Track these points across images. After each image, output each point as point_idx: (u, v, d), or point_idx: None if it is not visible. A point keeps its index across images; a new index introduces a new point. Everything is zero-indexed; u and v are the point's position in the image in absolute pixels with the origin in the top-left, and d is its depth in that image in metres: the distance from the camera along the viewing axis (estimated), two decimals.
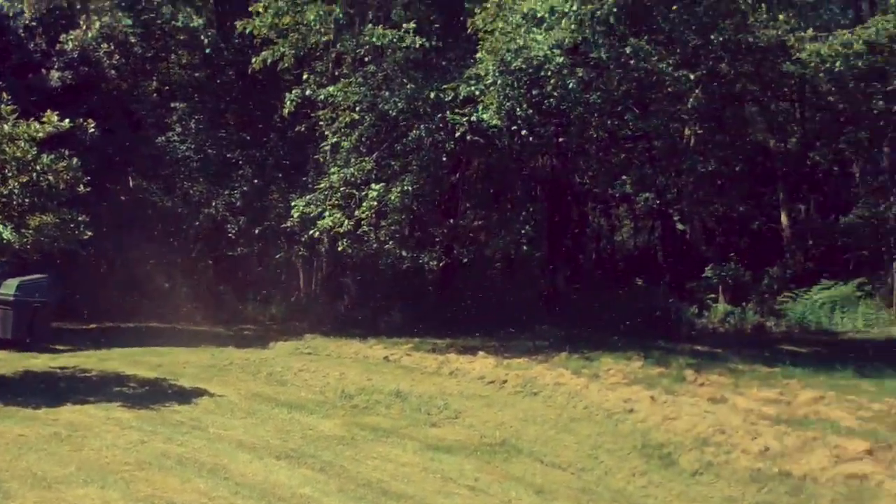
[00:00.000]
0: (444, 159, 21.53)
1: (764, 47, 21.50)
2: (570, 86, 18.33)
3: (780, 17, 20.75)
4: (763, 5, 20.89)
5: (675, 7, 20.18)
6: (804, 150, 31.32)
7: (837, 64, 19.71)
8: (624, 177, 23.87)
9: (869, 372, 17.80)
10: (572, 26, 17.91)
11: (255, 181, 27.04)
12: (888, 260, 29.54)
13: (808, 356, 20.75)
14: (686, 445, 11.50)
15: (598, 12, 18.49)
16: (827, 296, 28.09)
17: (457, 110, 19.27)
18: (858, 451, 10.94)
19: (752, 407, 13.60)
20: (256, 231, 26.74)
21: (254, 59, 21.87)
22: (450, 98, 19.34)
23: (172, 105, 27.81)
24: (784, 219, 31.43)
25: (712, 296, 28.35)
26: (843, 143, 29.02)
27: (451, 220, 24.92)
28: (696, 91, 20.55)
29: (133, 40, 26.44)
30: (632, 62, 19.19)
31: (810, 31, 20.50)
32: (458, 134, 19.46)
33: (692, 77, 19.74)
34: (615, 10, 18.60)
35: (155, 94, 29.37)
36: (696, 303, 27.43)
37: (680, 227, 26.61)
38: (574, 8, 17.93)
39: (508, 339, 20.88)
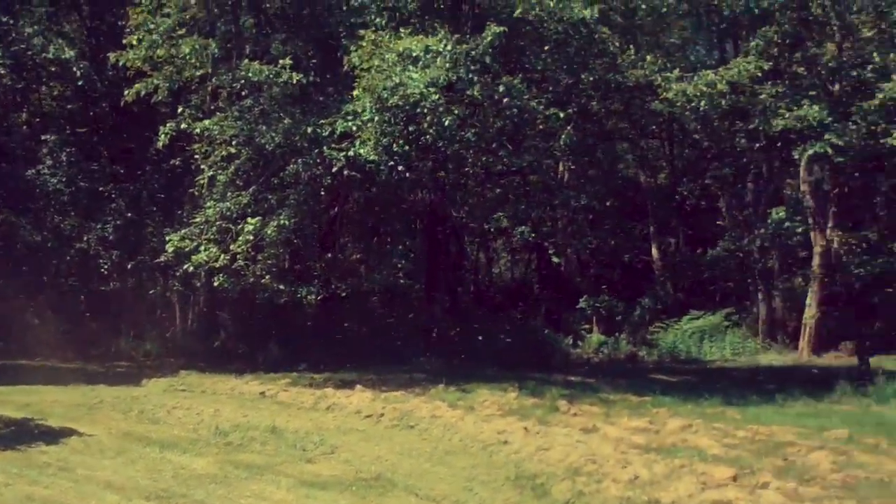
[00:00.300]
0: (322, 194, 21.58)
1: (633, 87, 22.27)
2: (446, 123, 18.63)
3: (648, 58, 21.55)
4: (631, 47, 21.68)
5: (546, 47, 20.78)
6: (673, 185, 32.53)
7: (703, 103, 20.51)
8: (500, 212, 24.29)
9: (735, 400, 18.42)
10: (447, 65, 18.24)
11: (129, 215, 26.55)
12: (753, 291, 30.77)
13: (677, 385, 21.36)
14: (558, 475, 11.68)
15: (473, 52, 18.92)
16: (696, 326, 29.04)
17: (334, 145, 19.36)
18: (724, 478, 11.24)
19: (623, 436, 13.90)
20: (130, 266, 26.24)
21: (127, 92, 21.56)
22: (327, 133, 19.42)
23: (43, 137, 27.15)
24: (655, 251, 32.44)
25: (587, 326, 29.04)
26: (709, 178, 30.28)
27: (330, 254, 24.94)
28: (568, 128, 21.11)
29: (2, 72, 25.77)
30: (505, 100, 19.64)
31: (677, 72, 21.32)
32: (335, 169, 19.54)
33: (562, 115, 20.27)
34: (489, 49, 19.05)
35: (25, 126, 28.64)
36: (571, 333, 28.07)
37: (555, 259, 27.19)
38: (449, 48, 18.28)
39: (387, 372, 20.92)
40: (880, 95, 19.69)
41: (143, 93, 21.29)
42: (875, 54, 20.83)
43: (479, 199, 25.31)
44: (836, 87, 21.31)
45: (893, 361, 26.20)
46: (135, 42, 21.00)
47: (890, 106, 19.66)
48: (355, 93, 18.82)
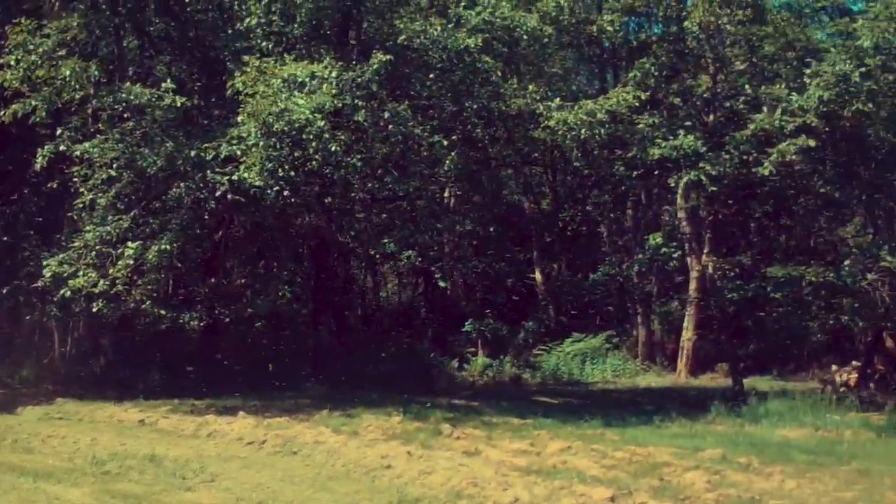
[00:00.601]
0: (206, 218, 21.34)
1: (515, 115, 22.70)
2: (332, 149, 18.65)
3: (530, 87, 22.01)
4: (514, 76, 22.13)
5: (431, 75, 21.06)
6: (555, 211, 33.15)
7: (583, 132, 21.01)
8: (387, 237, 24.42)
9: (614, 421, 18.89)
10: (333, 91, 18.33)
11: (5, 238, 25.78)
12: (633, 314, 31.57)
13: (559, 407, 21.79)
14: (440, 499, 11.80)
15: (359, 79, 19.06)
16: (578, 348, 29.65)
17: (218, 169, 19.20)
18: (602, 499, 11.47)
19: (505, 459, 14.09)
20: (6, 290, 25.44)
21: (3, 112, 21.00)
22: (211, 157, 19.25)
23: None
24: (538, 276, 32.98)
25: (472, 349, 29.32)
26: (590, 205, 30.95)
27: (214, 279, 24.64)
28: (453, 154, 21.39)
29: None
30: (391, 127, 19.82)
31: (558, 101, 21.82)
32: (218, 193, 19.36)
33: (446, 143, 20.53)
34: (376, 76, 19.22)
35: None
36: (457, 356, 28.31)
37: (441, 283, 27.42)
38: (335, 74, 18.38)
39: (271, 398, 20.77)
40: (752, 126, 20.48)
41: (20, 114, 20.76)
42: (747, 86, 21.67)
43: (366, 224, 25.40)
44: (711, 117, 22.10)
45: (766, 382, 27.25)
46: (13, 62, 20.49)
47: (761, 136, 20.45)
48: (240, 118, 18.72)
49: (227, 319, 24.15)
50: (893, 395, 25.18)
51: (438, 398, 21.68)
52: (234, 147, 18.86)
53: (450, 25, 20.29)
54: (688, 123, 22.02)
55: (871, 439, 17.38)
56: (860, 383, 26.64)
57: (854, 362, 28.27)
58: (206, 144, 19.30)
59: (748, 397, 21.12)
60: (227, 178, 18.89)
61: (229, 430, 16.61)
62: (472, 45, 20.08)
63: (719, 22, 20.97)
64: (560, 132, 21.27)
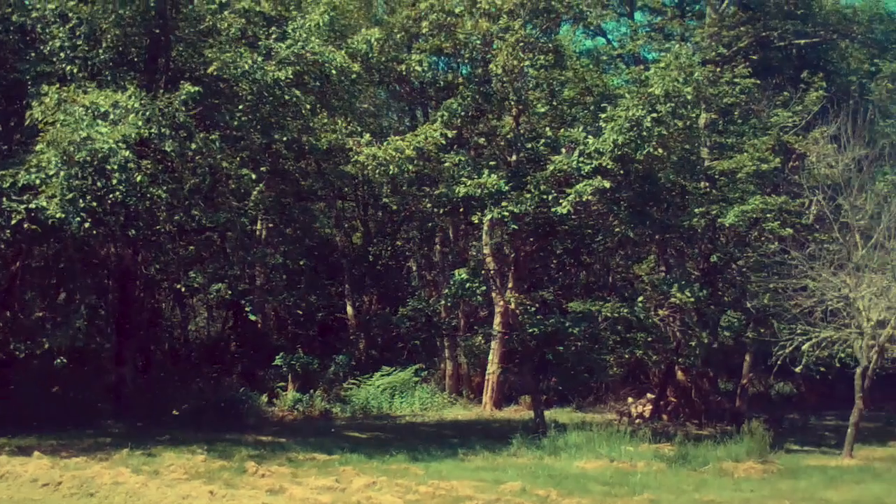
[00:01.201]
0: (2, 247, 20.43)
1: (326, 149, 22.83)
2: (138, 179, 18.26)
3: (340, 122, 22.21)
4: (324, 110, 22.29)
5: (241, 107, 20.94)
6: (366, 245, 33.39)
7: (391, 167, 21.32)
8: (193, 271, 24.04)
9: (420, 455, 19.17)
10: (139, 122, 17.96)
11: None
12: (441, 348, 32.10)
13: (367, 442, 21.91)
14: None
15: (167, 108, 18.76)
16: (388, 382, 29.83)
17: (15, 197, 18.41)
18: None
19: (309, 496, 14.08)
20: None
21: None
22: (8, 185, 18.46)
23: None
24: (350, 309, 33.10)
25: (282, 384, 29.06)
26: (400, 240, 31.34)
27: (10, 312, 23.55)
28: (260, 186, 21.30)
29: None
30: (198, 158, 19.57)
31: (368, 136, 22.08)
32: (14, 222, 18.54)
33: (254, 176, 20.44)
34: (183, 107, 18.96)
35: None
36: (267, 391, 27.99)
37: (252, 317, 27.13)
38: (138, 104, 18.02)
39: (69, 436, 19.94)
40: (551, 167, 21.28)
41: None
42: (547, 129, 22.52)
43: (173, 256, 24.91)
44: (514, 157, 22.82)
45: (567, 414, 28.24)
46: None
47: (560, 177, 21.29)
48: (38, 146, 18.05)
49: (21, 355, 23.07)
50: (684, 426, 26.67)
51: (246, 435, 21.45)
52: (34, 176, 18.13)
53: (259, 57, 20.23)
54: (492, 163, 22.66)
55: (662, 469, 18.36)
56: (654, 414, 28.05)
57: (648, 394, 29.76)
58: (3, 171, 18.49)
59: (549, 429, 21.84)
60: (25, 206, 18.14)
61: (23, 472, 15.85)
62: (282, 78, 20.10)
63: (522, 66, 21.74)
64: (370, 167, 21.50)
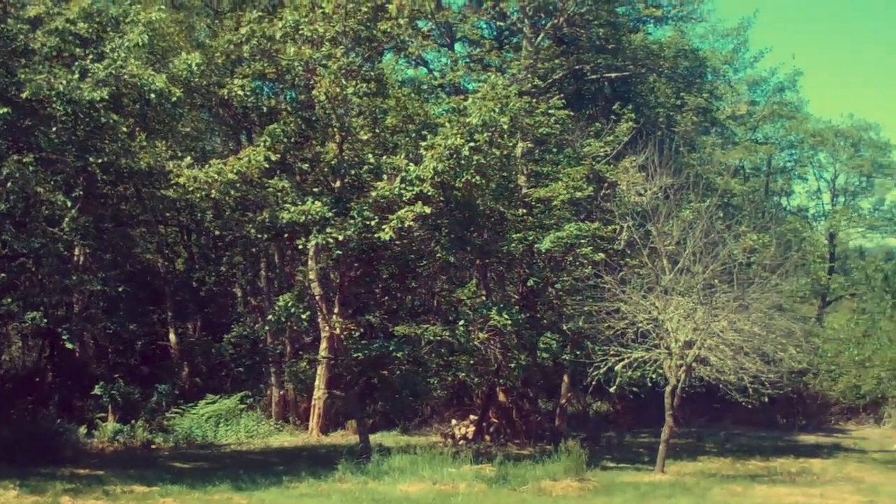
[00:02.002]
0: None
1: (145, 172, 22.37)
2: None
3: (159, 144, 21.83)
4: (143, 133, 21.86)
5: (55, 128, 20.31)
6: (190, 271, 32.81)
7: (213, 192, 21.11)
8: (6, 298, 23.05)
9: (244, 484, 18.98)
10: None
11: None
12: (267, 374, 31.83)
13: (190, 472, 21.50)
14: None
15: None
16: (212, 410, 29.35)
17: None
18: None
19: None
20: None
21: None
22: None
23: None
24: (173, 337, 32.40)
25: (102, 414, 28.18)
26: (224, 265, 30.88)
27: None
28: (73, 212, 20.70)
29: None
30: (9, 183, 18.89)
31: (189, 160, 21.75)
32: None
33: (68, 201, 19.87)
34: None
35: None
36: (86, 422, 27.08)
37: (69, 345, 26.20)
38: None
39: None
40: (374, 193, 21.56)
41: None
42: (370, 156, 22.80)
43: None
44: (337, 183, 22.98)
45: (392, 438, 28.48)
46: None
47: (382, 203, 21.57)
48: None
49: None
50: (505, 446, 27.31)
51: (62, 468, 20.77)
52: None
53: (75, 77, 19.66)
54: (316, 189, 22.75)
55: (483, 490, 18.82)
56: (477, 435, 28.60)
57: (472, 416, 30.33)
58: None
59: (373, 454, 22.00)
60: None
61: None
62: (98, 99, 19.58)
63: (345, 93, 21.92)
64: (192, 190, 21.22)
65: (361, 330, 23.83)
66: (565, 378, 29.75)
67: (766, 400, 23.84)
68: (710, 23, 44.47)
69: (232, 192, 21.41)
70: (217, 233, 28.73)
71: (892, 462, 27.71)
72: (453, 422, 30.50)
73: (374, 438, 25.87)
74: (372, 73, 23.03)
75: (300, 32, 22.17)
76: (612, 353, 22.62)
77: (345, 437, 29.00)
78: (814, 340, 32.23)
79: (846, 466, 26.00)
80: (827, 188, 50.46)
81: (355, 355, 22.67)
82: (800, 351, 23.20)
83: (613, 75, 31.19)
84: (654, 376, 23.03)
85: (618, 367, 22.63)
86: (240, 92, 22.68)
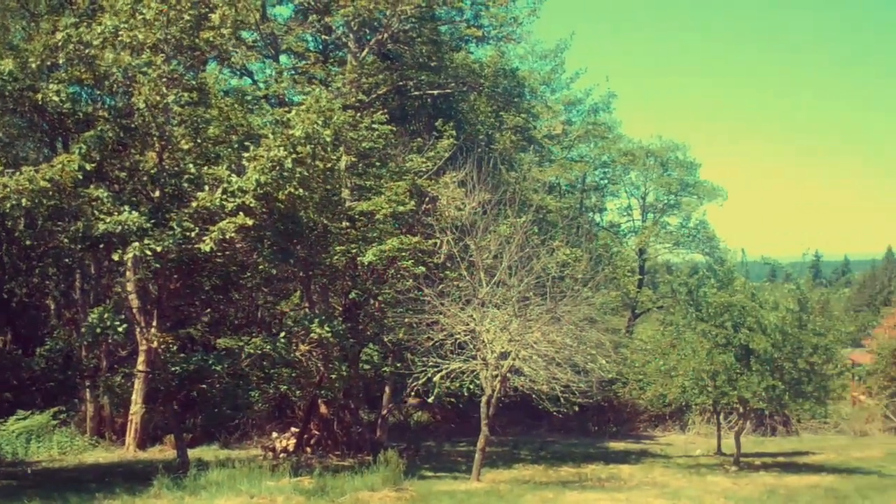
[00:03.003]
0: None
1: None
2: None
3: None
4: None
5: None
6: (1, 282, 31.47)
7: (24, 200, 20.35)
8: None
9: (55, 502, 18.42)
10: None
11: None
12: (82, 388, 30.86)
13: None
14: None
15: None
16: (23, 426, 28.25)
17: None
18: None
19: None
20: None
21: None
22: None
23: None
24: None
25: None
26: (37, 276, 29.77)
27: None
28: None
29: None
30: None
31: None
32: None
33: None
34: None
35: None
36: None
37: None
38: None
39: None
40: (194, 204, 21.28)
41: None
42: (191, 166, 22.46)
43: None
44: (157, 193, 22.55)
45: (212, 452, 28.15)
46: None
47: (203, 214, 21.32)
48: None
49: None
50: (326, 458, 27.42)
51: None
52: None
53: None
54: (134, 198, 22.27)
55: (301, 502, 18.84)
56: (298, 448, 28.59)
57: (293, 428, 30.27)
58: None
59: (191, 468, 21.68)
60: None
61: None
62: None
63: (166, 101, 21.59)
64: (1, 198, 20.41)
65: (180, 343, 23.45)
66: (387, 389, 30.14)
67: (578, 409, 24.84)
68: (530, 44, 45.96)
69: (44, 201, 20.69)
70: (28, 243, 27.70)
71: (695, 467, 29.36)
72: (274, 435, 30.34)
73: (194, 453, 25.49)
74: (194, 82, 22.78)
75: (119, 38, 21.69)
76: (430, 364, 23.06)
77: (163, 452, 28.42)
78: (623, 351, 33.80)
79: (652, 472, 27.39)
80: (638, 205, 53.02)
81: (173, 369, 22.30)
82: (609, 361, 24.22)
83: (436, 92, 31.81)
84: (471, 386, 23.62)
85: (436, 378, 23.09)
86: (55, 97, 21.97)
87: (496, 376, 22.59)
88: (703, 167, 53.05)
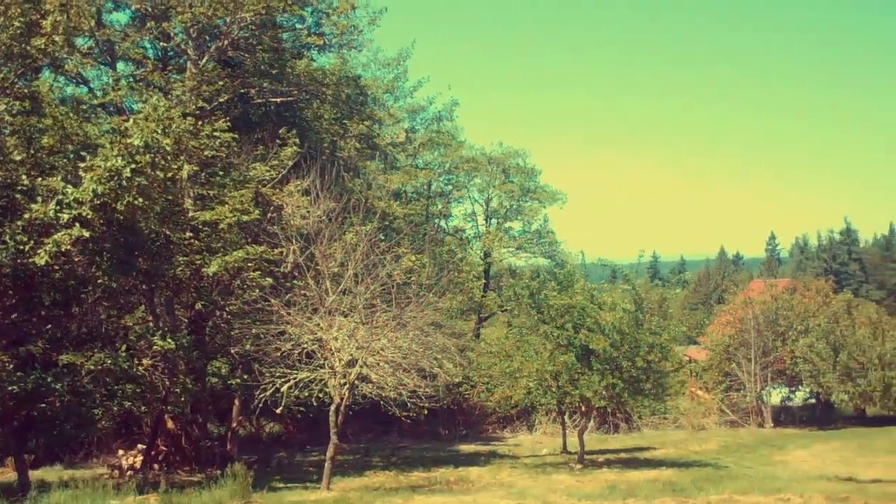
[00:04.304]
0: None
1: None
2: None
3: None
4: None
5: None
6: None
7: None
8: None
9: None
10: None
11: None
12: None
13: None
14: None
15: None
16: None
17: None
18: None
19: None
20: None
21: None
22: None
23: None
24: None
25: None
26: None
27: None
28: None
29: None
30: None
31: None
32: None
33: None
34: None
35: None
36: None
37: None
38: None
39: None
40: (27, 216, 20.55)
41: None
42: (24, 177, 21.66)
43: None
44: None
45: (55, 473, 27.22)
46: None
47: (37, 226, 20.60)
48: None
49: None
50: (175, 474, 26.91)
51: None
52: None
53: None
54: None
55: None
56: (145, 465, 27.94)
57: (140, 445, 29.56)
58: None
59: (32, 490, 20.95)
60: None
61: None
62: None
63: None
64: None
65: (19, 361, 22.53)
66: (236, 402, 29.75)
67: (428, 413, 25.14)
68: (372, 52, 46.21)
69: None
70: None
71: (541, 466, 30.14)
72: (120, 452, 29.54)
73: (36, 474, 24.63)
74: (26, 91, 22.02)
75: None
76: (278, 374, 22.95)
77: (3, 474, 27.35)
78: (469, 355, 34.40)
79: (500, 473, 27.97)
80: (482, 211, 53.94)
81: (10, 388, 21.46)
82: (455, 365, 24.63)
83: (279, 100, 31.58)
84: (320, 395, 23.60)
85: (284, 388, 22.97)
86: None
87: (344, 384, 22.66)
88: (543, 173, 54.42)
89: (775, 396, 51.23)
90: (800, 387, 50.30)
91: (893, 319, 49.99)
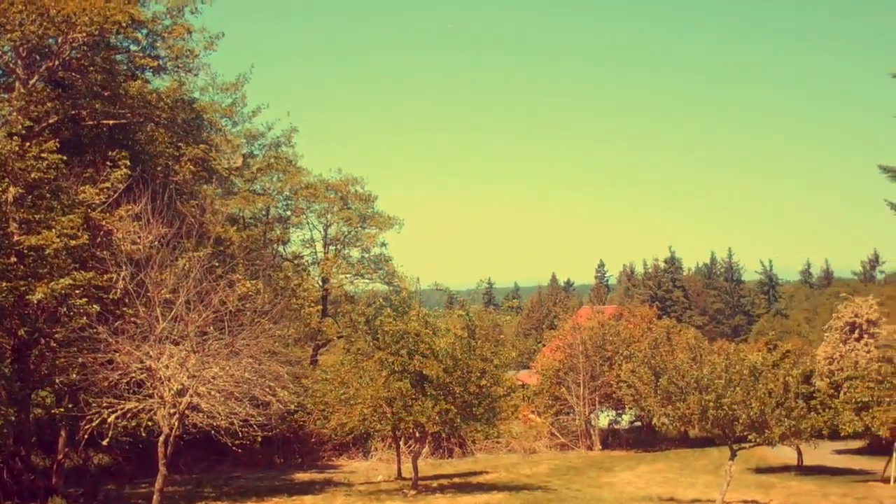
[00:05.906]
0: None
1: None
2: None
3: None
4: None
5: None
6: None
7: None
8: None
9: None
10: None
11: None
12: None
13: None
14: None
15: None
16: None
17: None
18: None
19: None
20: None
21: None
22: None
23: None
24: None
25: None
26: None
27: None
28: None
29: None
30: None
31: None
32: None
33: None
34: None
35: None
36: None
37: None
38: None
39: None
40: None
41: None
42: None
43: None
44: None
45: None
46: None
47: None
48: None
49: None
50: None
51: None
52: None
53: None
54: None
55: None
56: None
57: None
58: None
59: None
60: None
61: None
62: None
63: None
64: None
65: None
66: (62, 433, 28.72)
67: (262, 442, 24.95)
68: (210, 76, 45.56)
69: None
70: None
71: (375, 493, 30.32)
72: None
73: None
74: None
75: None
76: (105, 404, 22.42)
77: None
78: (305, 382, 34.30)
79: (334, 501, 28.02)
80: (321, 237, 53.87)
81: None
82: (290, 392, 24.60)
83: (111, 122, 30.83)
84: (149, 424, 23.17)
85: (111, 419, 22.47)
86: None
87: (174, 414, 22.33)
88: (380, 199, 54.67)
89: (603, 420, 53.05)
90: (626, 410, 52.19)
91: (712, 345, 52.48)
